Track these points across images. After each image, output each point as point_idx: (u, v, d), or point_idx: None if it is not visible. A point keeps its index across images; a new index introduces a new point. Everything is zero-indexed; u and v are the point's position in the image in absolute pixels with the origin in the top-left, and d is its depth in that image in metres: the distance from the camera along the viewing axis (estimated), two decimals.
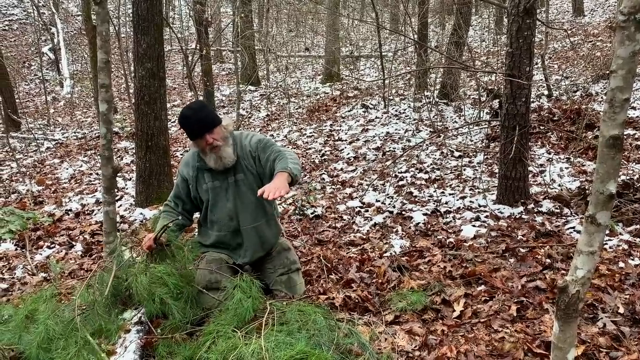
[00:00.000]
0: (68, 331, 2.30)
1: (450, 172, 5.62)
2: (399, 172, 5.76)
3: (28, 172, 7.65)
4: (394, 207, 4.68)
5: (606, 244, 3.42)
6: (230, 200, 2.82)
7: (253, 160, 2.80)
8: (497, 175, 4.60)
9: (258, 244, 2.91)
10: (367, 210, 4.70)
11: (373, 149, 6.95)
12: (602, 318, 2.52)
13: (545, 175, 4.95)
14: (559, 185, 4.73)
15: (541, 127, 6.30)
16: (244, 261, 2.92)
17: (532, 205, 4.25)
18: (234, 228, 2.86)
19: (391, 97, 9.75)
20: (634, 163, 5.00)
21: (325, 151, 7.19)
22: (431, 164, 5.97)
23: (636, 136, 5.76)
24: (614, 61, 1.41)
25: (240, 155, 2.79)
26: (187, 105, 2.75)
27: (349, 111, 9.43)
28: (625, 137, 5.65)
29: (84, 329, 2.32)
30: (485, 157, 5.88)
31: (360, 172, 6.05)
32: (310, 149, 7.45)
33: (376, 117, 8.56)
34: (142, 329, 2.53)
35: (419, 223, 4.24)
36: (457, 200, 4.67)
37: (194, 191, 2.89)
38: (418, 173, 5.69)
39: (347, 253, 3.69)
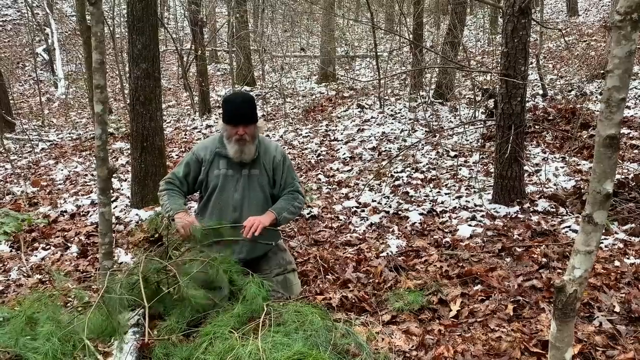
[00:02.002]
0: (66, 333, 2.30)
1: (446, 172, 5.63)
2: (395, 172, 5.76)
3: (23, 174, 7.61)
4: (390, 207, 4.68)
5: (602, 243, 3.43)
6: (238, 191, 2.85)
7: (273, 168, 2.90)
8: (492, 174, 4.61)
9: (255, 242, 2.90)
10: (363, 211, 4.70)
11: (369, 148, 6.95)
12: (598, 317, 2.53)
13: (540, 175, 4.96)
14: (555, 185, 4.75)
15: (536, 127, 6.32)
16: (240, 257, 2.90)
17: (527, 205, 4.26)
18: (235, 219, 2.85)
19: (387, 97, 9.76)
20: (629, 162, 5.02)
21: (321, 151, 7.18)
22: (427, 164, 5.97)
23: (631, 135, 5.78)
24: (610, 61, 1.41)
25: (262, 156, 2.86)
26: (237, 92, 2.88)
27: (344, 111, 9.43)
28: (620, 136, 5.67)
29: (82, 332, 2.31)
30: (480, 156, 5.89)
31: (356, 172, 6.05)
32: (306, 149, 7.44)
33: (372, 117, 8.56)
34: (139, 331, 2.52)
35: (415, 223, 4.24)
36: (453, 199, 4.67)
37: (203, 174, 2.88)
38: (414, 173, 5.70)
39: (343, 253, 3.69)
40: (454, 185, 5.12)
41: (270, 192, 2.94)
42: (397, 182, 5.45)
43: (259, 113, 10.53)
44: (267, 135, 8.63)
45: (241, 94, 2.80)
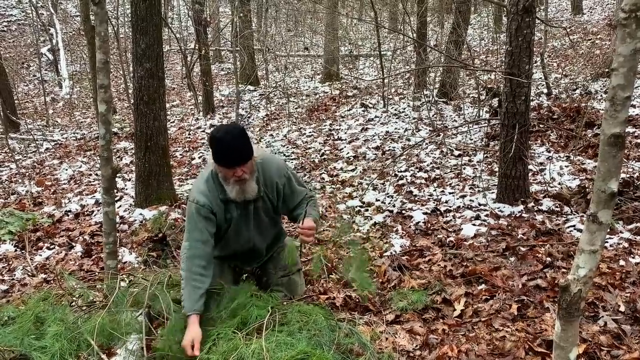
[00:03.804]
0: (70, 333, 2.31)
1: (450, 171, 5.61)
2: (398, 171, 5.76)
3: (27, 173, 7.64)
4: (394, 206, 4.68)
5: (607, 242, 3.41)
6: (251, 229, 2.70)
7: (276, 192, 2.67)
8: (497, 173, 4.59)
9: (265, 255, 2.90)
10: (367, 210, 4.69)
11: (373, 148, 6.94)
12: (603, 316, 2.52)
13: (545, 174, 4.94)
14: (559, 184, 4.73)
15: (541, 126, 6.30)
16: (249, 267, 2.93)
17: (532, 204, 4.24)
18: (249, 248, 2.81)
19: (390, 96, 9.74)
20: (634, 161, 5.00)
21: (325, 151, 7.18)
22: (431, 163, 5.96)
23: (636, 134, 5.75)
24: (615, 59, 1.40)
25: (263, 184, 2.61)
26: (225, 128, 2.45)
27: (348, 110, 9.42)
28: (626, 135, 5.64)
29: (87, 334, 2.32)
30: (485, 155, 5.88)
31: (360, 172, 6.05)
32: (309, 148, 7.44)
33: (375, 117, 8.55)
34: (143, 331, 2.52)
35: (419, 222, 4.23)
36: (457, 199, 4.66)
37: (219, 222, 2.61)
38: (418, 172, 5.69)
39: (347, 253, 3.69)
40: (458, 185, 5.11)
41: (275, 214, 2.78)
42: (401, 182, 5.44)
43: (260, 113, 10.57)
44: (270, 136, 8.63)
45: (231, 130, 2.43)
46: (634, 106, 6.75)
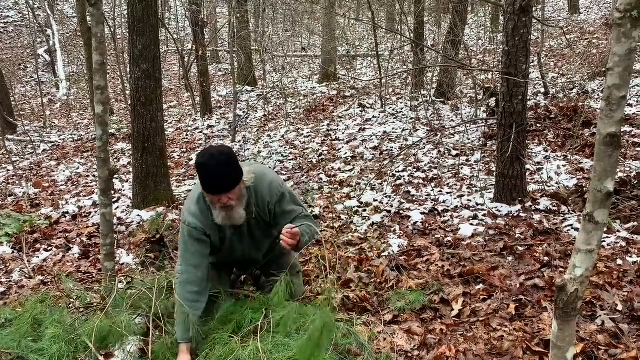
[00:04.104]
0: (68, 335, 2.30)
1: (448, 171, 5.62)
2: (396, 171, 5.76)
3: (24, 175, 7.62)
4: (391, 206, 4.68)
5: (604, 241, 3.42)
6: (246, 246, 2.66)
7: (269, 213, 2.58)
8: (494, 173, 4.59)
9: (263, 259, 2.88)
10: (365, 210, 4.69)
11: (370, 148, 6.94)
12: (600, 316, 2.52)
13: (542, 173, 4.95)
14: (557, 183, 4.73)
15: (538, 125, 6.30)
16: (247, 272, 2.94)
17: (529, 204, 4.25)
18: (244, 260, 2.81)
19: (388, 97, 9.74)
20: (632, 160, 5.00)
21: (323, 151, 7.18)
22: (428, 163, 5.96)
23: (633, 133, 5.76)
24: (611, 59, 1.40)
25: (255, 204, 2.53)
26: (210, 153, 2.30)
27: (346, 111, 9.42)
28: (622, 134, 5.64)
29: (85, 336, 2.32)
30: (482, 155, 5.88)
31: (358, 172, 6.05)
32: (307, 148, 7.44)
33: (373, 117, 8.55)
34: (140, 334, 2.52)
35: (416, 222, 4.23)
36: (455, 199, 4.66)
37: (213, 243, 2.57)
38: (415, 172, 5.69)
39: (345, 253, 3.69)
40: (456, 185, 5.12)
41: (271, 228, 2.67)
42: (398, 182, 5.44)
43: (258, 113, 10.56)
44: (268, 136, 8.62)
45: (216, 155, 2.28)
46: (631, 105, 6.76)
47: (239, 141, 8.50)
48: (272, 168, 6.69)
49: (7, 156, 8.27)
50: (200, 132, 9.67)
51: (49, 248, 4.44)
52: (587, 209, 1.52)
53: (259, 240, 2.68)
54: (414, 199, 4.86)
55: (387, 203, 4.80)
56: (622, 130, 5.77)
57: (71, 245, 4.45)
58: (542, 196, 4.38)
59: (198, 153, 2.36)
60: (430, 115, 7.92)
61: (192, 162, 7.52)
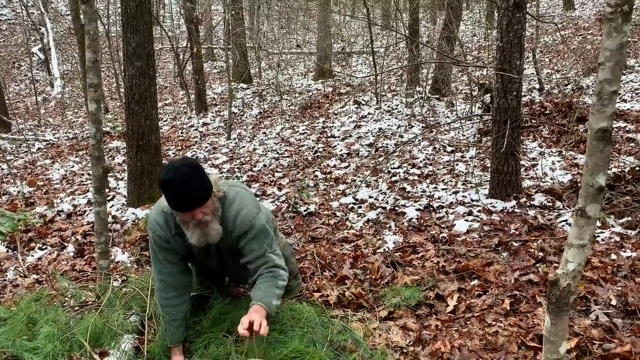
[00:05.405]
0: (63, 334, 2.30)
1: (443, 167, 5.62)
2: (391, 168, 5.76)
3: (19, 174, 7.59)
4: (387, 203, 4.68)
5: (598, 236, 3.43)
6: (214, 265, 2.51)
7: (235, 240, 2.34)
8: (489, 169, 4.60)
9: (240, 271, 2.58)
10: (360, 207, 4.69)
11: (366, 145, 6.94)
12: (594, 310, 2.54)
13: (537, 169, 4.96)
14: (551, 179, 4.75)
15: (533, 121, 6.32)
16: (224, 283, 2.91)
17: (524, 199, 4.26)
18: (219, 274, 2.77)
19: (383, 93, 9.75)
20: (625, 155, 5.02)
21: (318, 148, 7.18)
22: (424, 159, 5.97)
23: (627, 128, 5.78)
24: (602, 53, 1.40)
25: (225, 219, 2.31)
26: (175, 169, 2.09)
27: (341, 108, 9.42)
28: (616, 129, 5.67)
29: (80, 335, 2.31)
30: (477, 151, 5.89)
31: (353, 169, 6.05)
32: (303, 146, 7.43)
33: (368, 114, 8.56)
34: (135, 333, 2.52)
35: (412, 218, 4.24)
36: (450, 195, 4.67)
37: (179, 252, 2.39)
38: (411, 169, 5.70)
39: (340, 250, 3.69)
40: (451, 181, 5.12)
41: (239, 255, 2.42)
42: (394, 178, 5.45)
43: (253, 111, 10.55)
44: (263, 133, 8.61)
45: (181, 168, 2.08)
46: (625, 101, 6.79)
47: (234, 139, 8.49)
48: (268, 165, 6.69)
49: (1, 155, 8.23)
50: (196, 129, 9.66)
51: (44, 247, 4.43)
52: (579, 204, 1.52)
53: (231, 261, 2.47)
54: (409, 195, 4.87)
55: (382, 200, 4.80)
56: (617, 125, 5.80)
57: (66, 244, 4.43)
58: (536, 192, 4.39)
59: (161, 171, 2.16)
60: (426, 112, 7.93)
61: None
